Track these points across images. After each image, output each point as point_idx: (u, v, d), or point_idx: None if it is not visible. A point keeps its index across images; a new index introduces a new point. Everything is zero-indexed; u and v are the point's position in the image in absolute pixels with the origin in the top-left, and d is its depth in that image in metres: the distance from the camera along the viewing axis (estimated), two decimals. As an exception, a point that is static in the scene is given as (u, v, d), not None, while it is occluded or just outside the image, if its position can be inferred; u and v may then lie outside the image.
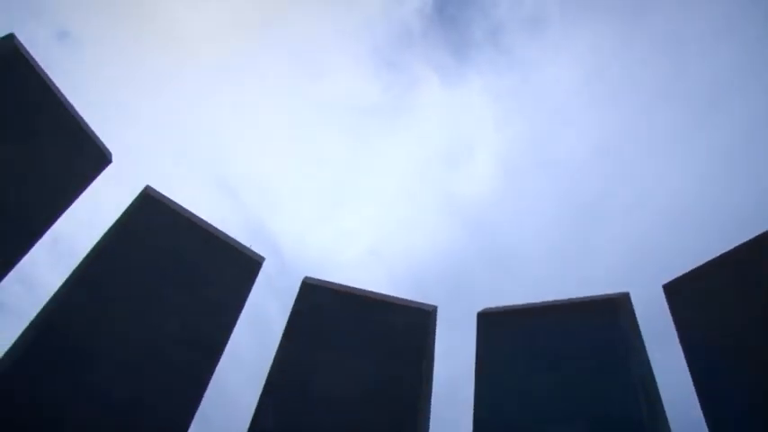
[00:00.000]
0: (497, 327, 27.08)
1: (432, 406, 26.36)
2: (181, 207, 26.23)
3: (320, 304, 26.61)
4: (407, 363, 25.87)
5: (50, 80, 25.10)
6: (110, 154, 25.69)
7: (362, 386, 25.13)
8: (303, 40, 65.90)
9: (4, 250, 23.80)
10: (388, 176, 70.35)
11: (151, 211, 25.58)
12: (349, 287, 27.28)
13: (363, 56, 68.49)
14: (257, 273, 26.78)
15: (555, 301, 27.41)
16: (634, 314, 27.08)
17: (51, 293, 25.31)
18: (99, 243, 25.27)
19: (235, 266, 26.22)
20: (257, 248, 27.35)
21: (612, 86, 64.19)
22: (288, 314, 26.61)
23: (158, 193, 25.99)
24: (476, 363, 26.74)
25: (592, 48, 64.95)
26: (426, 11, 67.96)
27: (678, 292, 26.30)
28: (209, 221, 26.63)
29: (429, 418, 25.83)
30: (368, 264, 67.69)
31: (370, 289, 27.47)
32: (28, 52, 24.78)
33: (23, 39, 25.41)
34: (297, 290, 27.00)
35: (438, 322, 28.21)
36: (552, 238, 67.82)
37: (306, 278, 27.13)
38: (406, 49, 69.20)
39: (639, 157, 63.97)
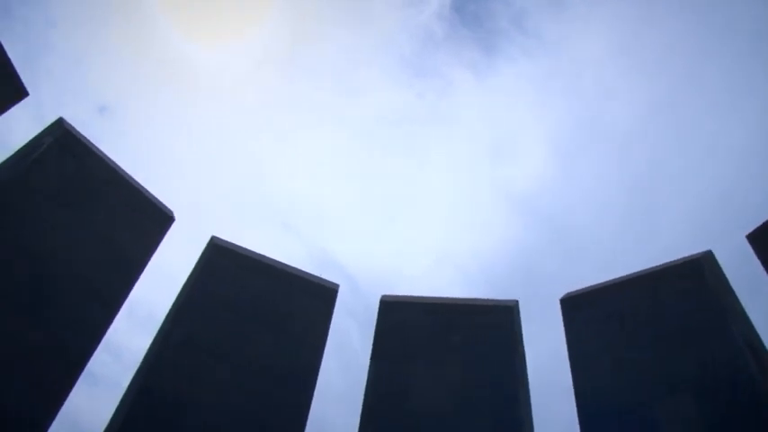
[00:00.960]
0: (583, 309, 26.48)
1: (532, 400, 25.93)
2: (248, 250, 26.60)
3: (402, 319, 26.55)
4: (500, 363, 25.52)
5: (103, 153, 25.87)
6: (171, 212, 26.27)
7: (460, 394, 24.94)
8: (330, 64, 66.40)
9: (89, 326, 24.54)
10: (439, 181, 69.88)
11: (221, 259, 26.03)
12: (426, 297, 27.16)
13: (393, 68, 68.39)
14: (335, 301, 26.90)
15: (637, 272, 26.64)
16: (721, 271, 26.05)
17: (139, 356, 26.00)
18: (177, 300, 25.81)
19: (312, 298, 26.38)
20: (327, 276, 27.54)
21: (649, 49, 62.16)
22: (371, 335, 26.69)
23: (224, 241, 26.45)
24: (568, 349, 26.22)
25: (619, 14, 63.11)
26: (445, 13, 67.38)
27: (765, 239, 25.23)
28: (276, 259, 26.94)
29: (531, 413, 25.36)
30: (438, 271, 67.23)
31: (446, 295, 27.42)
32: (77, 131, 25.64)
33: (69, 118, 26.35)
34: (374, 309, 27.10)
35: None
36: (618, 212, 66.00)
37: (383, 296, 27.16)
38: (434, 53, 68.74)
39: (694, 112, 61.60)
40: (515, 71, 68.14)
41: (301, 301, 26.05)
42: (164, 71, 62.71)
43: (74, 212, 24.73)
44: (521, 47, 66.55)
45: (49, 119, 26.62)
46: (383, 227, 70.97)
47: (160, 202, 25.99)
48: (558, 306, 27.33)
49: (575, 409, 25.61)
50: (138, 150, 60.79)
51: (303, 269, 27.13)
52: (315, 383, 25.49)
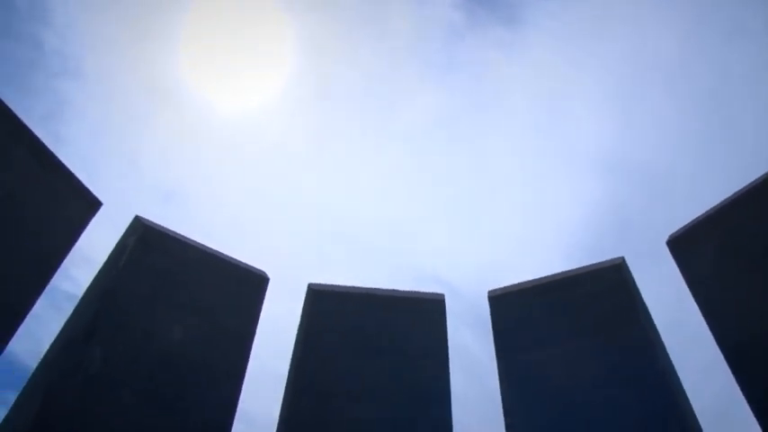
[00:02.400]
0: (693, 246, 25.49)
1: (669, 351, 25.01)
2: (347, 287, 26.77)
3: (514, 309, 26.15)
4: (627, 325, 24.78)
5: (185, 237, 26.52)
6: (265, 273, 26.72)
7: (597, 367, 24.28)
8: (362, 86, 66.78)
9: (221, 403, 24.96)
10: (506, 167, 68.82)
11: (324, 303, 26.25)
12: (532, 280, 26.70)
13: (424, 71, 68.08)
14: (445, 311, 26.71)
15: (737, 194, 25.47)
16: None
17: (272, 419, 26.31)
18: (294, 354, 25.99)
19: (422, 315, 26.31)
20: (428, 289, 27.47)
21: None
22: (489, 335, 26.36)
23: (322, 285, 26.69)
24: (691, 290, 25.17)
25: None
26: (458, 1, 66.88)
27: None
28: (377, 287, 26.99)
29: (673, 366, 24.43)
30: (532, 253, 65.94)
31: (549, 273, 26.88)
32: (156, 224, 26.38)
33: (141, 213, 27.10)
34: (485, 308, 26.79)
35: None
36: (694, 138, 62.99)
37: (490, 291, 26.83)
38: (459, 44, 68.04)
39: (738, 18, 58.66)
40: (545, 34, 66.43)
41: (414, 321, 25.98)
42: (211, 141, 64.52)
43: (176, 301, 25.34)
44: (543, 10, 64.96)
45: (123, 220, 27.52)
46: (465, 226, 70.00)
47: (252, 267, 26.46)
48: (667, 251, 26.43)
49: (712, 349, 24.67)
50: (214, 223, 62.64)
51: (404, 289, 27.11)
52: (450, 400, 25.22)
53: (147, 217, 26.72)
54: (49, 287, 25.26)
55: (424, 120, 68.35)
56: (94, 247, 28.17)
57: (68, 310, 25.63)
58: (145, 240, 25.92)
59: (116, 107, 61.88)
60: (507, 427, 24.49)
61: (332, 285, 26.78)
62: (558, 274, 27.10)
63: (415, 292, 27.02)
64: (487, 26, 67.96)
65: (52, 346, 24.16)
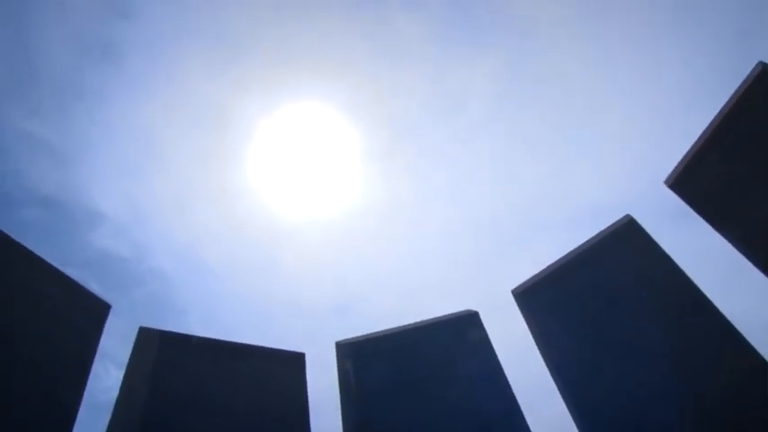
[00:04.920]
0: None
1: None
2: (551, 268, 26.39)
3: (703, 179, 24.74)
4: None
5: (384, 330, 26.97)
6: (472, 310, 26.90)
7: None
8: (418, 105, 66.01)
9: None
10: (603, 82, 64.43)
11: (538, 302, 25.92)
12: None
13: (459, 54, 65.66)
14: (633, 235, 25.64)
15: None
16: None
17: None
18: (552, 368, 25.49)
19: (630, 245, 25.45)
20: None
21: None
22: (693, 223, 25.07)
23: (523, 285, 26.41)
24: None
25: None
26: None
27: None
28: (574, 249, 26.47)
29: None
30: (678, 134, 61.69)
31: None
32: (355, 338, 27.00)
33: (335, 338, 27.66)
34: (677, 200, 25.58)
35: None
36: None
37: (666, 180, 25.56)
38: (473, 8, 65.77)
39: None
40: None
41: (629, 251, 24.94)
42: (336, 241, 65.36)
43: (420, 386, 25.58)
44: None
45: (328, 354, 28.24)
46: (598, 152, 66.03)
47: (460, 312, 26.71)
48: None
49: None
50: (396, 299, 63.28)
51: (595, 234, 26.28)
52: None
53: (342, 337, 27.35)
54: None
55: (489, 98, 66.09)
56: (318, 391, 28.89)
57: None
58: (358, 357, 26.44)
59: (246, 271, 64.18)
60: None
61: (532, 277, 26.32)
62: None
63: (605, 230, 25.99)
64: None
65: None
